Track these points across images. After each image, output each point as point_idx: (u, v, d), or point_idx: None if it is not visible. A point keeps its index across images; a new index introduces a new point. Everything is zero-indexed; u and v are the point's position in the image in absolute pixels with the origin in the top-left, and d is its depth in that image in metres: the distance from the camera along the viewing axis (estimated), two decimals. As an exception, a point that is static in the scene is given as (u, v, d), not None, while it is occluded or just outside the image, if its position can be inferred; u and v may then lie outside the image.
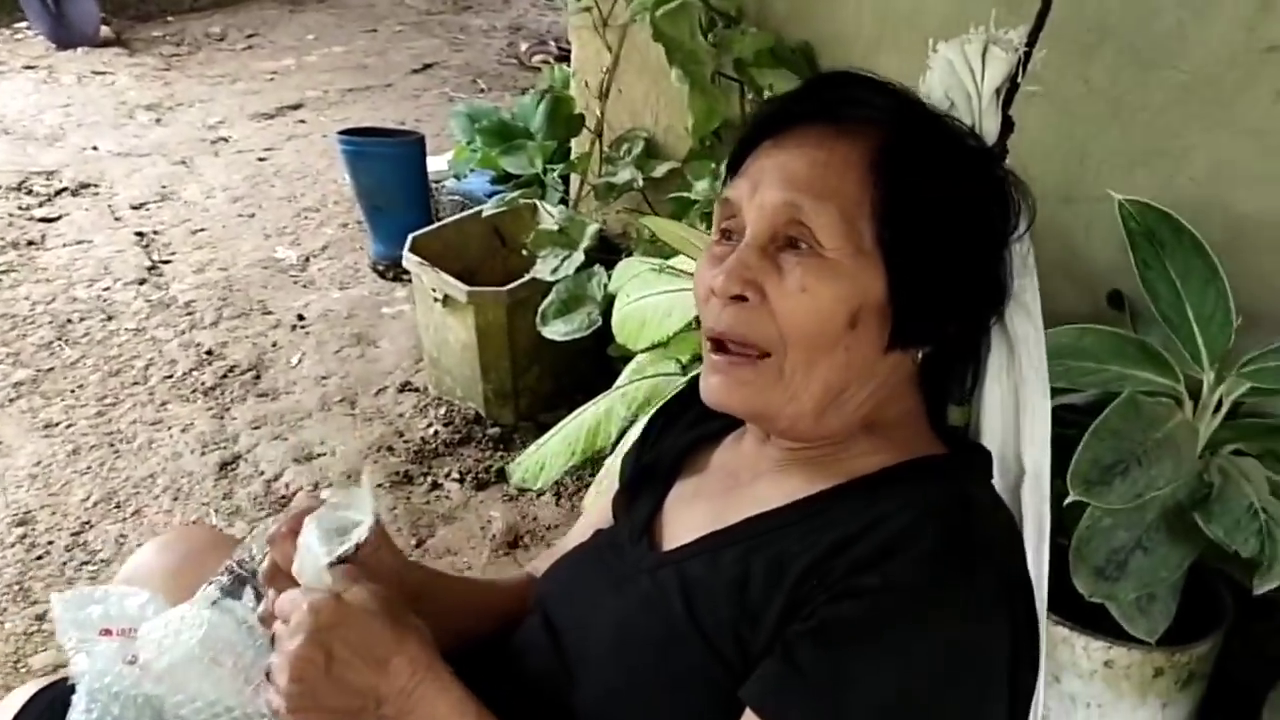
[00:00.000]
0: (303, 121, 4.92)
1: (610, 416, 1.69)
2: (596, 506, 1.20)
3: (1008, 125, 1.04)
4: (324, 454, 2.58)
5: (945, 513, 0.85)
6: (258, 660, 0.98)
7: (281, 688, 0.80)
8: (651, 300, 1.74)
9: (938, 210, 0.88)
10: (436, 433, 2.65)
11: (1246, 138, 1.79)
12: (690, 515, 1.00)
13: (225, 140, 4.61)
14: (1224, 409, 1.56)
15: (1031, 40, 1.04)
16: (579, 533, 1.16)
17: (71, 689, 1.03)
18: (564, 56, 5.47)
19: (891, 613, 0.79)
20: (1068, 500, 1.39)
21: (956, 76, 1.03)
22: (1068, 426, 1.62)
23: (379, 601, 0.83)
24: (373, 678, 0.81)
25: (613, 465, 1.67)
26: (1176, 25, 1.78)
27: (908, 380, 0.95)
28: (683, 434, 1.11)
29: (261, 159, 4.43)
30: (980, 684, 0.81)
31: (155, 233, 3.72)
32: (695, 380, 1.12)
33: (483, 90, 5.44)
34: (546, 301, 2.17)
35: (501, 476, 2.52)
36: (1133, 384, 1.54)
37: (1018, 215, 0.94)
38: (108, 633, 1.00)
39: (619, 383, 1.76)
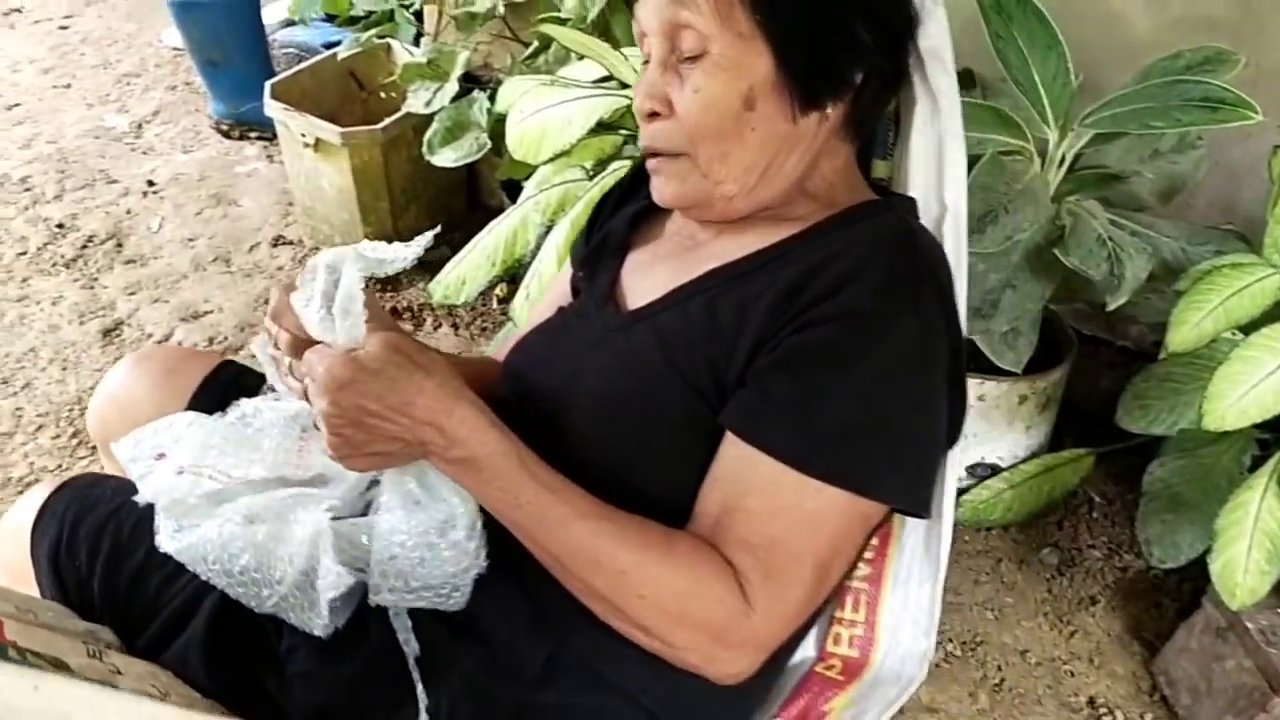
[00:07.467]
0: (99, -16, 4.59)
1: (526, 225, 1.76)
2: (555, 289, 1.25)
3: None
4: (210, 311, 2.57)
5: (892, 244, 0.92)
6: (285, 437, 1.06)
7: (327, 440, 0.84)
8: (549, 113, 1.78)
9: None
10: (322, 280, 2.67)
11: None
12: (651, 277, 1.06)
13: (19, 11, 4.25)
14: (1067, 162, 1.78)
15: None
16: (541, 313, 1.21)
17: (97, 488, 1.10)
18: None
19: (849, 337, 0.86)
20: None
21: None
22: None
23: (389, 349, 0.84)
24: (403, 421, 0.83)
25: (541, 269, 1.73)
26: None
27: (832, 136, 0.99)
28: (628, 212, 1.17)
29: (63, 27, 4.13)
30: (926, 393, 0.90)
31: (-35, 113, 3.47)
32: (636, 166, 1.19)
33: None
34: (431, 131, 2.18)
35: (395, 314, 2.58)
36: (992, 146, 1.73)
37: None
38: (162, 455, 1.03)
39: (526, 194, 1.82)
